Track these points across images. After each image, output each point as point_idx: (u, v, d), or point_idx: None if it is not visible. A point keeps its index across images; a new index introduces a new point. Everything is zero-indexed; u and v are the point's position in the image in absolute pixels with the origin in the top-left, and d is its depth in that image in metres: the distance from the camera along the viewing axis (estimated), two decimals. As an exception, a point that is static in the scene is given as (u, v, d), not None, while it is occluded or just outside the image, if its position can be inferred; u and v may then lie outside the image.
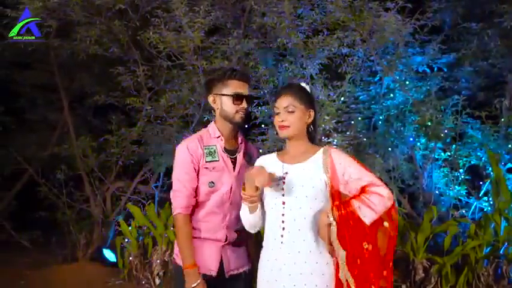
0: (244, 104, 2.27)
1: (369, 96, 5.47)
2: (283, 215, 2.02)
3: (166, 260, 4.67)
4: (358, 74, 4.89)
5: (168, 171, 5.34)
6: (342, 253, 1.96)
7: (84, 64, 5.47)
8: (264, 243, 2.12)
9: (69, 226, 5.50)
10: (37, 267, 5.26)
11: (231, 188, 2.27)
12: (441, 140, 4.70)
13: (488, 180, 4.82)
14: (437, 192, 4.93)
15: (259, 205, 2.07)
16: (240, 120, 2.29)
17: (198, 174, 2.25)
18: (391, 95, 5.31)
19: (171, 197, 2.28)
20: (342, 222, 1.95)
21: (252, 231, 2.19)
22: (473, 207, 4.91)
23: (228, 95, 2.26)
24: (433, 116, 4.58)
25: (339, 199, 2.02)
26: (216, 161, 2.27)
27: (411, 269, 4.23)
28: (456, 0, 5.47)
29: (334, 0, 4.71)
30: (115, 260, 5.17)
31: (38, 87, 6.22)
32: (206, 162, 2.25)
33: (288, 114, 2.05)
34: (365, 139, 5.18)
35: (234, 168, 2.30)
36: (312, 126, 2.12)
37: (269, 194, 2.07)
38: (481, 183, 4.95)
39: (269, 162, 2.12)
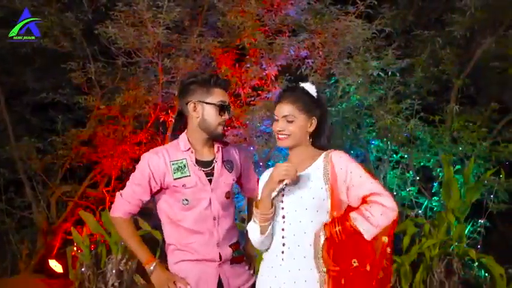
0: (227, 115, 2.12)
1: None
2: (283, 230, 1.87)
3: (121, 269, 4.41)
4: (316, 76, 4.92)
5: (120, 175, 5.04)
6: (323, 271, 1.79)
7: (26, 57, 5.00)
8: (264, 258, 1.96)
9: (9, 235, 5.02)
10: (-28, 282, 4.76)
11: (210, 202, 2.11)
12: (400, 142, 4.85)
13: (438, 181, 5.08)
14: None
15: (270, 226, 1.88)
16: (221, 133, 2.13)
17: (161, 190, 2.12)
18: (347, 97, 5.40)
19: (116, 197, 2.15)
20: (332, 238, 1.78)
21: (261, 249, 1.97)
22: (423, 207, 5.14)
23: (214, 104, 2.08)
24: (390, 119, 4.72)
25: (339, 210, 1.85)
26: (187, 176, 2.09)
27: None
28: (406, 9, 5.70)
29: (294, 2, 4.74)
30: (62, 271, 4.79)
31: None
32: (174, 179, 2.08)
33: (287, 124, 1.89)
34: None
35: (211, 180, 2.13)
36: (322, 130, 1.94)
37: None
38: (435, 183, 5.18)
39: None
